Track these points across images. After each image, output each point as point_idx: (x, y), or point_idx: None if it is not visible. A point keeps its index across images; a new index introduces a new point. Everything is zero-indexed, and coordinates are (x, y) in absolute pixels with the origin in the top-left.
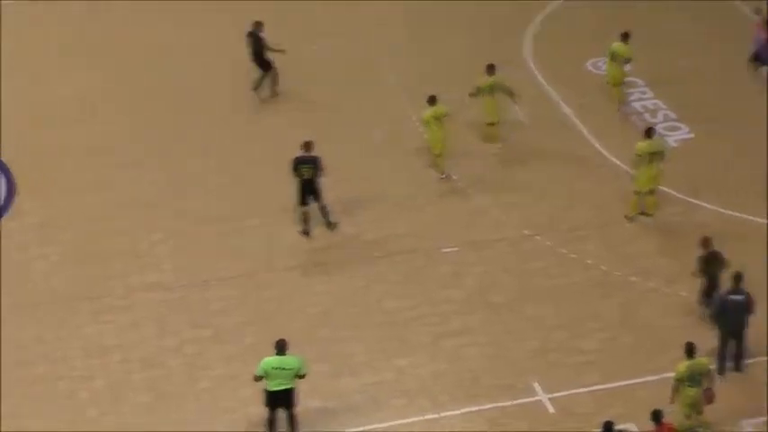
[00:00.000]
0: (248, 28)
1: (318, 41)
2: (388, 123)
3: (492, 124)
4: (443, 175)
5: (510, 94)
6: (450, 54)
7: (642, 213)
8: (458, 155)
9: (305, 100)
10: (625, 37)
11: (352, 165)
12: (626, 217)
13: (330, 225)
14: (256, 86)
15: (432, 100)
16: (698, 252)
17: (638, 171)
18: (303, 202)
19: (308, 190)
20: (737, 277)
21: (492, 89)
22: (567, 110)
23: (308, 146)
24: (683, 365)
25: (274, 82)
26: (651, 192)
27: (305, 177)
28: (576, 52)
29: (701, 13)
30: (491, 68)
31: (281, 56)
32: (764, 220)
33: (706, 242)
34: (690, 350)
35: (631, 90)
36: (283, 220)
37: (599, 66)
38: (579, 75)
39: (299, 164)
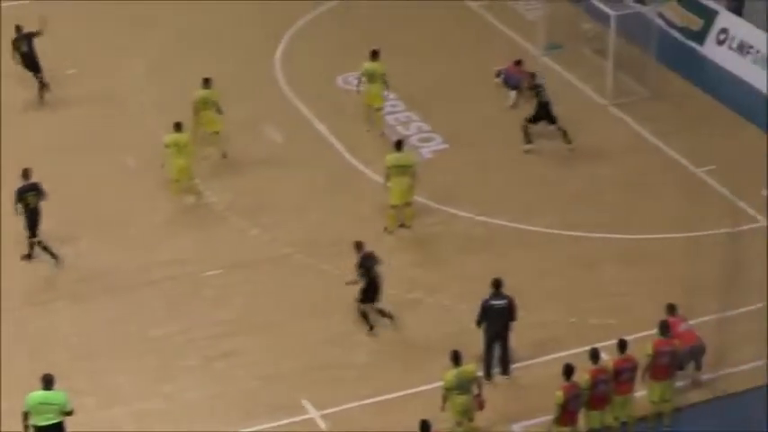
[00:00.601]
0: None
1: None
2: (141, 149)
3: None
4: (197, 200)
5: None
6: (201, 75)
7: (401, 225)
8: (212, 178)
9: (60, 122)
10: (375, 55)
11: (107, 193)
12: (385, 230)
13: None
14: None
15: (177, 126)
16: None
17: (392, 184)
18: (33, 233)
19: (36, 219)
20: (497, 283)
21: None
22: (320, 126)
23: (26, 173)
24: (451, 374)
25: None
26: (407, 204)
27: (31, 206)
28: (325, 68)
29: (449, 24)
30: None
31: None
32: (520, 226)
33: (359, 246)
34: (456, 358)
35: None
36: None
37: (349, 81)
38: (331, 91)
39: (23, 193)
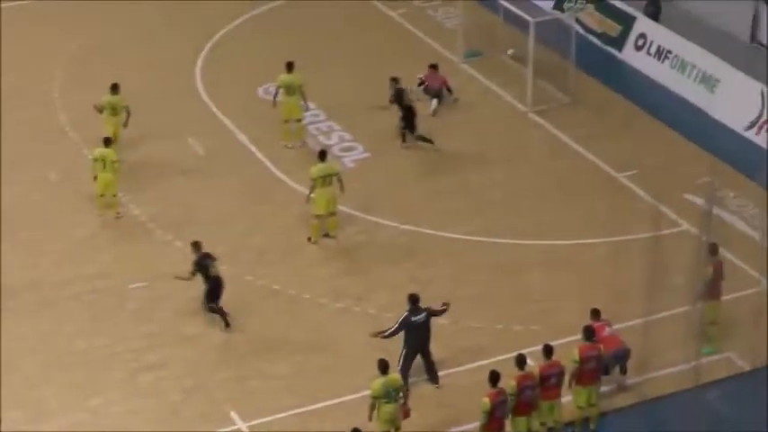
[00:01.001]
0: None
1: None
2: (61, 162)
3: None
4: (120, 214)
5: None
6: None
7: (325, 235)
8: (135, 190)
9: None
10: (290, 67)
11: (30, 207)
12: (309, 240)
13: None
14: None
15: (106, 141)
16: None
17: (316, 194)
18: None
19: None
20: (415, 299)
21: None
22: (242, 137)
23: (197, 246)
24: (378, 382)
25: None
26: (332, 214)
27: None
28: (246, 79)
29: (369, 32)
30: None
31: None
32: (443, 234)
33: (196, 245)
34: (383, 367)
35: (304, 113)
36: None
37: (270, 91)
38: (252, 101)
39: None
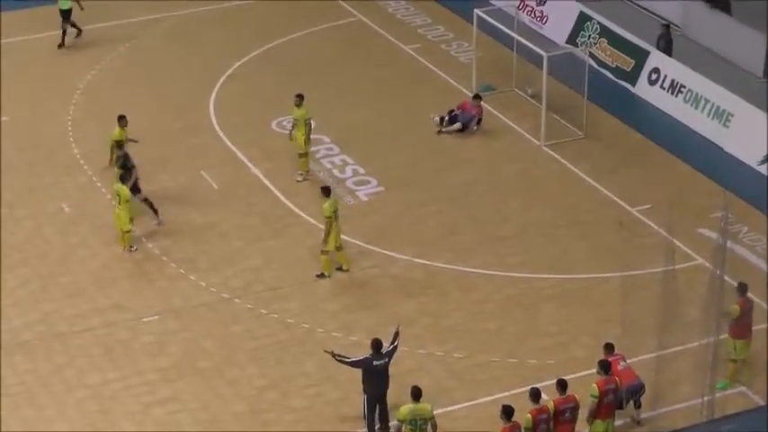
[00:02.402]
0: None
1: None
2: (75, 196)
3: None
4: (133, 248)
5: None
6: (136, 122)
7: (338, 269)
8: (148, 224)
9: None
10: (300, 98)
11: (43, 240)
12: (322, 276)
13: None
14: None
15: (122, 179)
16: None
17: (332, 231)
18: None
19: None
20: (378, 344)
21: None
22: (256, 170)
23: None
24: (406, 408)
25: None
26: (339, 248)
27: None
28: (260, 112)
29: (384, 66)
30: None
31: None
32: (457, 267)
33: None
34: (416, 394)
35: (317, 147)
36: None
37: (284, 124)
38: (265, 134)
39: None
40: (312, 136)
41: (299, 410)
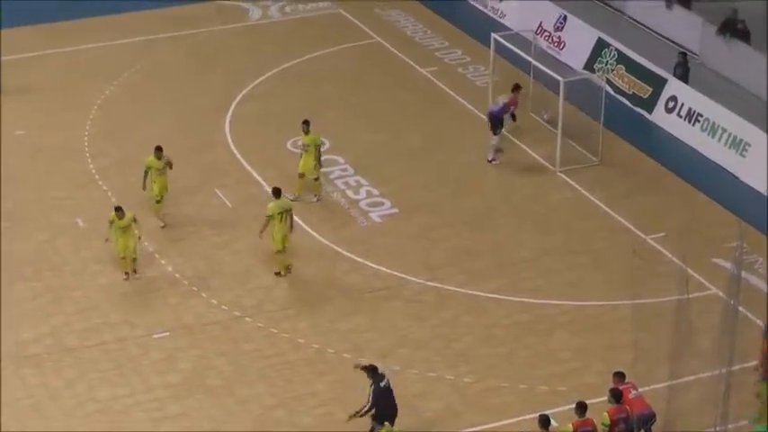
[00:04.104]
0: None
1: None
2: (91, 210)
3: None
4: (137, 275)
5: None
6: (152, 139)
7: (277, 274)
8: (161, 241)
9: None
10: (306, 125)
11: (56, 253)
12: (279, 274)
13: None
14: None
15: (118, 210)
16: None
17: (275, 230)
18: None
19: None
20: (373, 368)
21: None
22: (269, 190)
23: None
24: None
25: None
26: (280, 251)
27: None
28: (275, 132)
29: (399, 88)
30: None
31: None
32: (469, 291)
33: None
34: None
35: (332, 168)
36: None
37: (299, 144)
38: (280, 155)
39: None
40: (327, 157)
41: (306, 427)
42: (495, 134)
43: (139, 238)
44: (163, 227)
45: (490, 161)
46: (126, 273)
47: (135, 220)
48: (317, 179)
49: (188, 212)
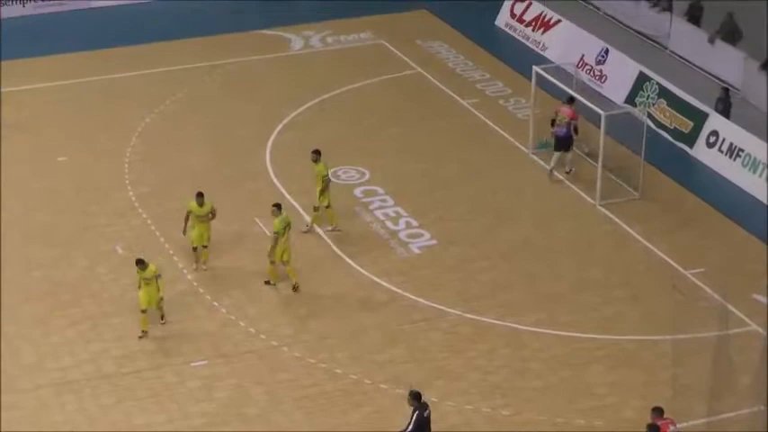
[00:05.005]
0: None
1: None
2: (130, 237)
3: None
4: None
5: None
6: (192, 167)
7: (267, 282)
8: (199, 269)
9: (46, 211)
10: (317, 154)
11: (95, 280)
12: (268, 283)
13: None
14: None
15: (140, 262)
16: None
17: (279, 245)
18: None
19: None
20: (418, 395)
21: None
22: (308, 218)
23: None
24: None
25: None
26: (286, 262)
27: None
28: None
29: (440, 119)
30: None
31: None
32: (507, 324)
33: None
34: None
35: (372, 198)
36: None
37: (338, 174)
38: None
39: None
40: (366, 187)
41: None
42: (567, 151)
43: (161, 298)
44: (195, 269)
45: (568, 172)
46: (143, 331)
47: (159, 276)
48: (328, 206)
49: (227, 241)
